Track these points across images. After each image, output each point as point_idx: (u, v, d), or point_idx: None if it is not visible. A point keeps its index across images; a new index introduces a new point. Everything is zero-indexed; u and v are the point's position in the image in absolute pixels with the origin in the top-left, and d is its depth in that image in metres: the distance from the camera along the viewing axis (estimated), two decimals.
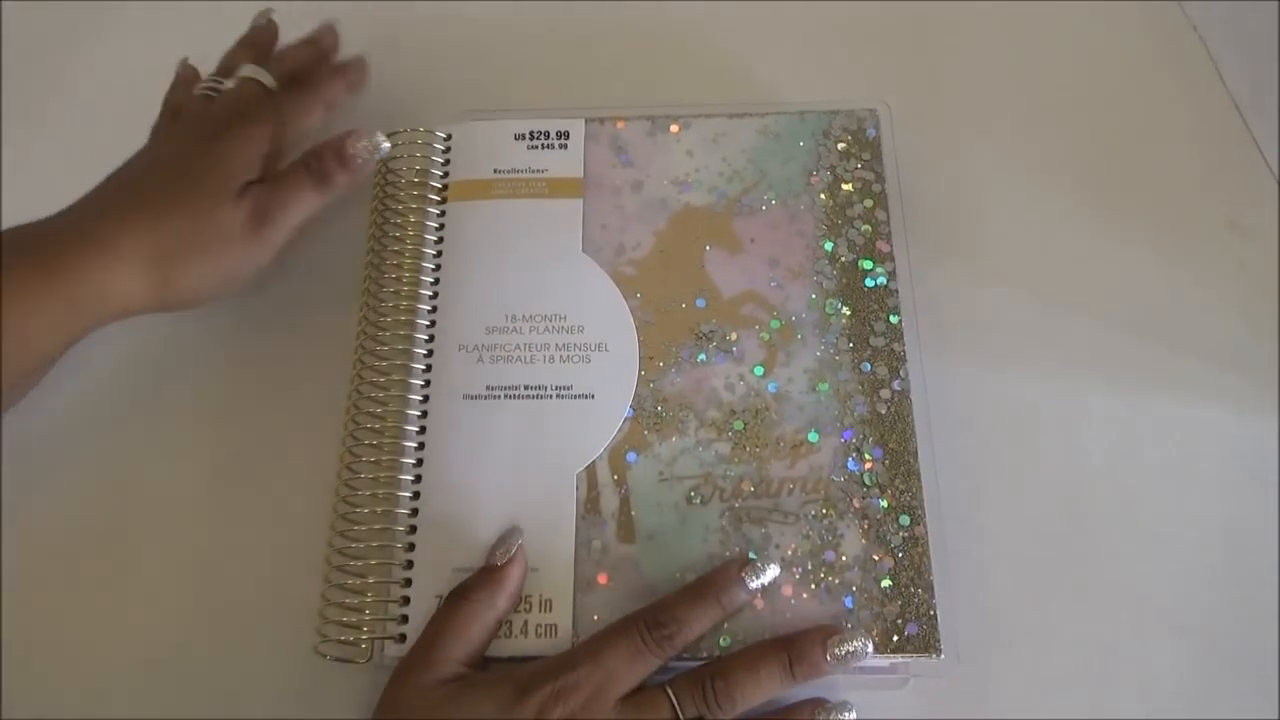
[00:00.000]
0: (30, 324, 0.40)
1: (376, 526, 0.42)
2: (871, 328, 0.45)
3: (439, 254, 0.48)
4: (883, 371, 0.44)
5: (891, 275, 0.46)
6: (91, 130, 0.52)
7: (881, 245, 0.47)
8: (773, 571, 0.40)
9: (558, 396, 0.44)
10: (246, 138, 0.45)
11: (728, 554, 0.42)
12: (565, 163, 0.49)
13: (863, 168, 0.49)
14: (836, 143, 0.49)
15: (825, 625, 0.39)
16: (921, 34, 0.45)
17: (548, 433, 0.44)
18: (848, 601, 0.41)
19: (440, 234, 0.48)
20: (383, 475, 0.43)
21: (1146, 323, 0.37)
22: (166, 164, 0.44)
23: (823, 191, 0.48)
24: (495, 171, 0.49)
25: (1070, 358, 0.38)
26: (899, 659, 0.40)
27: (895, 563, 0.41)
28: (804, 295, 0.46)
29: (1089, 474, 0.36)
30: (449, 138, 0.51)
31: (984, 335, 0.38)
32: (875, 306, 0.46)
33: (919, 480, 0.42)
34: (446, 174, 0.50)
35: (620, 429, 0.44)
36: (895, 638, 0.40)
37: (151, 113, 0.48)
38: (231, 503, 0.44)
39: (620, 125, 0.50)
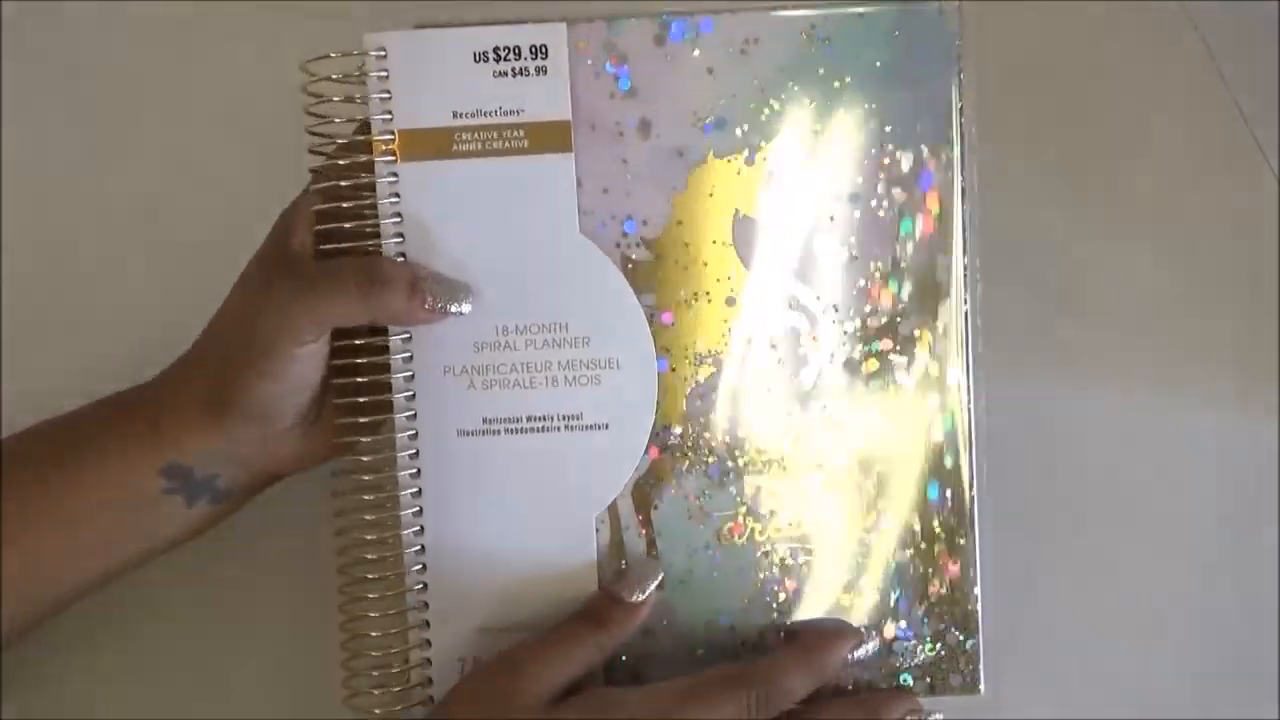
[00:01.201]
0: None
1: (387, 594, 0.38)
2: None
3: (400, 238, 0.38)
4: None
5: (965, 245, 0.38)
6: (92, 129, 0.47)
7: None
8: (655, 577, 0.38)
9: (566, 429, 0.38)
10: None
11: (769, 599, 0.39)
12: (547, 96, 0.37)
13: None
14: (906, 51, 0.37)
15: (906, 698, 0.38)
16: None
17: (559, 473, 0.38)
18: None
19: (397, 208, 0.37)
20: (385, 535, 0.38)
21: (1146, 322, 0.37)
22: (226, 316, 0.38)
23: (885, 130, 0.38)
24: (455, 116, 0.37)
25: (1070, 358, 0.37)
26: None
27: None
28: (856, 274, 0.38)
29: (1089, 474, 0.36)
30: (384, 56, 0.37)
31: (982, 335, 0.36)
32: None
33: (973, 526, 0.39)
34: (389, 116, 0.37)
35: (641, 463, 0.38)
36: (935, 686, 0.39)
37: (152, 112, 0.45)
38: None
39: (613, 28, 0.37)
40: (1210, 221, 0.38)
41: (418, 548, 0.38)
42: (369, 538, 0.38)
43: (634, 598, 0.37)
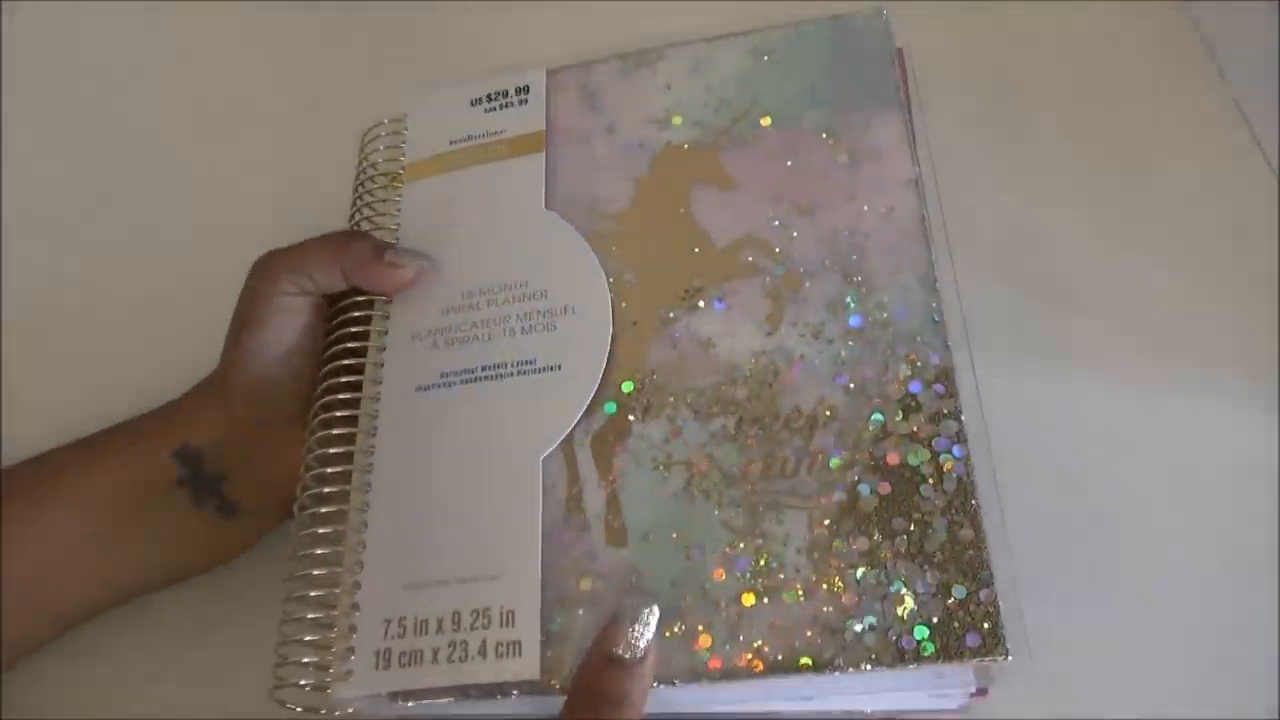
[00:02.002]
0: None
1: (329, 550, 0.35)
2: None
3: (397, 242, 0.42)
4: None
5: (920, 198, 0.38)
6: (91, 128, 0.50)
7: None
8: (650, 621, 0.31)
9: (519, 374, 0.37)
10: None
11: (735, 549, 0.33)
12: (526, 119, 0.43)
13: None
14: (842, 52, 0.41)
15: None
16: (918, 34, 0.42)
17: (508, 417, 0.36)
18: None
19: (399, 220, 0.42)
20: (338, 490, 0.36)
21: (1147, 322, 0.37)
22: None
23: (831, 114, 0.40)
24: (451, 143, 0.43)
25: (1071, 358, 0.37)
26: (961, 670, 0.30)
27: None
28: (809, 235, 0.38)
29: (1089, 474, 0.35)
30: (403, 119, 0.45)
31: (982, 335, 0.36)
32: None
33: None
34: (402, 160, 0.44)
35: (598, 411, 0.36)
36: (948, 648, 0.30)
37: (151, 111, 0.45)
38: None
39: (585, 71, 0.44)
40: (1210, 221, 0.38)
41: (362, 506, 0.36)
42: (321, 509, 0.36)
43: (632, 652, 0.30)
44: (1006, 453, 0.34)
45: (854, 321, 0.36)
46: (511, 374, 0.37)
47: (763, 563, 0.33)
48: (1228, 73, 0.39)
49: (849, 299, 0.36)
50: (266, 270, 0.38)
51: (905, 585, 0.31)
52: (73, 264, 0.50)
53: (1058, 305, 0.38)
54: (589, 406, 0.36)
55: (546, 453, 0.35)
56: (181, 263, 0.49)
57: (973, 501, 0.32)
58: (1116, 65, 0.41)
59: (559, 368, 0.37)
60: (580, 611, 0.33)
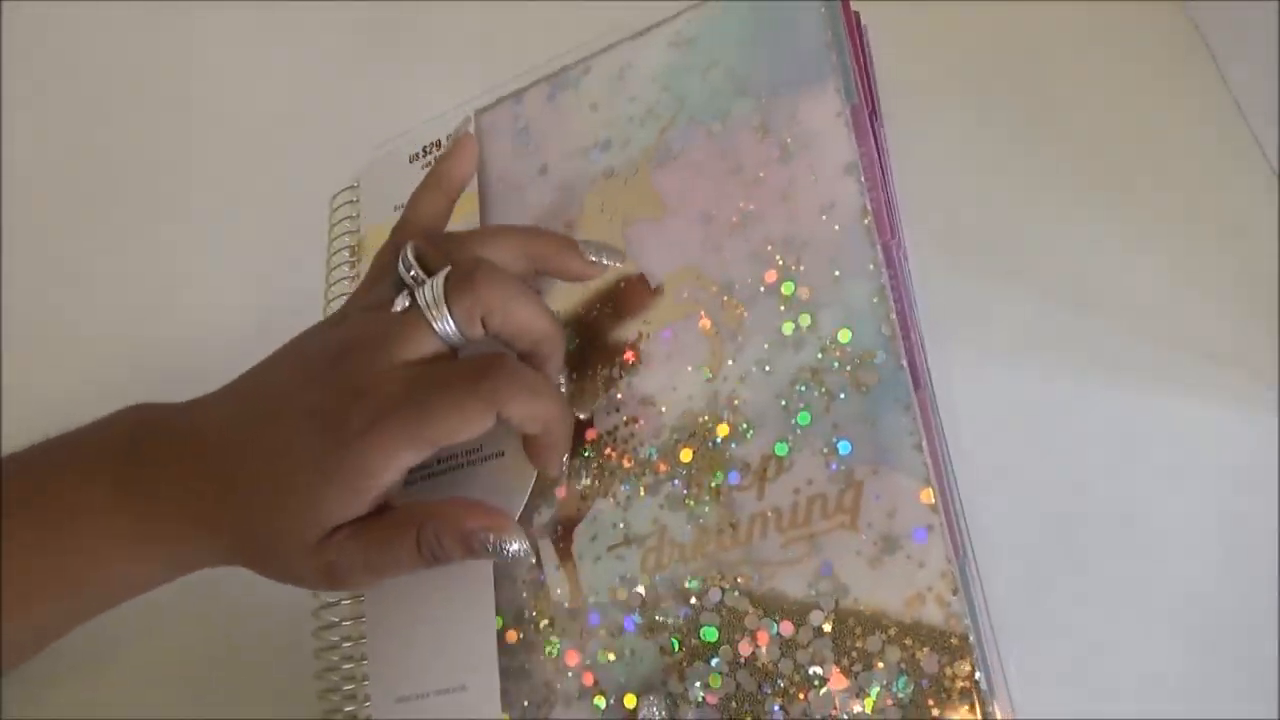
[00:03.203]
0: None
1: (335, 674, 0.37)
2: None
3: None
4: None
5: (860, 184, 0.32)
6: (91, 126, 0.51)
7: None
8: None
9: (468, 463, 0.36)
10: (404, 445, 0.30)
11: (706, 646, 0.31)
12: None
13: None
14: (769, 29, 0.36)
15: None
16: (918, 34, 0.43)
17: None
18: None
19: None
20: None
21: (1146, 322, 0.37)
22: (274, 450, 0.31)
23: (760, 101, 0.35)
24: (395, 209, 0.42)
25: (1070, 357, 0.37)
26: None
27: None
28: (742, 254, 0.34)
29: (1089, 474, 0.35)
30: (356, 187, 0.44)
31: (981, 334, 0.37)
32: None
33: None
34: (358, 230, 0.43)
35: (551, 492, 0.34)
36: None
37: (151, 111, 0.46)
38: None
39: (518, 102, 0.40)
40: (1210, 221, 0.37)
41: (358, 615, 0.37)
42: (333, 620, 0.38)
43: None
44: (1006, 453, 0.36)
45: (796, 353, 0.32)
46: (462, 464, 0.36)
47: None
48: (1228, 73, 0.38)
49: (787, 325, 0.32)
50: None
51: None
52: (72, 264, 0.50)
53: (1056, 305, 0.37)
54: (534, 491, 0.34)
55: None
56: (181, 261, 0.49)
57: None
58: (1116, 65, 0.40)
59: (503, 454, 0.35)
60: (555, 708, 0.32)
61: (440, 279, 0.31)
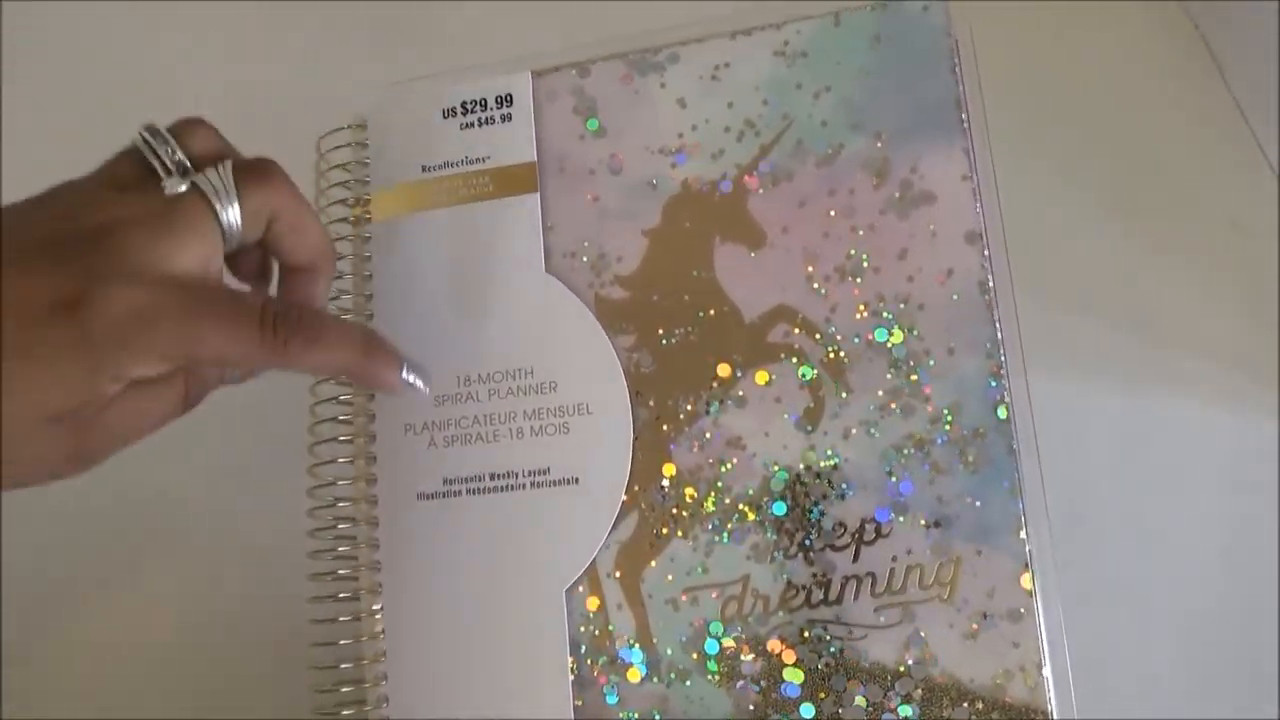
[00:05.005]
0: None
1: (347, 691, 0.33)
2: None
3: (370, 297, 0.36)
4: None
5: (984, 256, 0.32)
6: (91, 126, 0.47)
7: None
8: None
9: (533, 485, 0.33)
10: (159, 353, 0.26)
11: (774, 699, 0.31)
12: (512, 142, 0.36)
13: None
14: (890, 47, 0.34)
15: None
16: None
17: (525, 538, 0.33)
18: None
19: (369, 268, 0.36)
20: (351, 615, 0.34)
21: (1147, 322, 0.37)
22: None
23: (877, 143, 0.34)
24: (424, 170, 0.36)
25: (1070, 357, 0.37)
26: None
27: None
28: (848, 304, 0.33)
29: (1089, 474, 0.35)
30: (364, 128, 0.38)
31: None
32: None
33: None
34: (367, 180, 0.37)
35: (622, 525, 0.33)
36: None
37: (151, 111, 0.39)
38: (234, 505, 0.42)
39: (581, 73, 0.36)
40: (1210, 221, 0.38)
41: (375, 633, 0.34)
42: (342, 618, 0.34)
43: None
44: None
45: (904, 419, 0.32)
46: (524, 485, 0.33)
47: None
48: (1228, 73, 0.38)
49: (897, 388, 0.32)
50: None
51: None
52: None
53: (1056, 305, 0.38)
54: (612, 527, 0.33)
55: (570, 582, 0.33)
56: None
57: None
58: (1116, 65, 0.41)
59: (576, 481, 0.33)
60: None
61: (228, 166, 0.28)
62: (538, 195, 0.35)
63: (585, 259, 0.35)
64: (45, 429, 0.26)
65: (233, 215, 0.28)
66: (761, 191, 0.34)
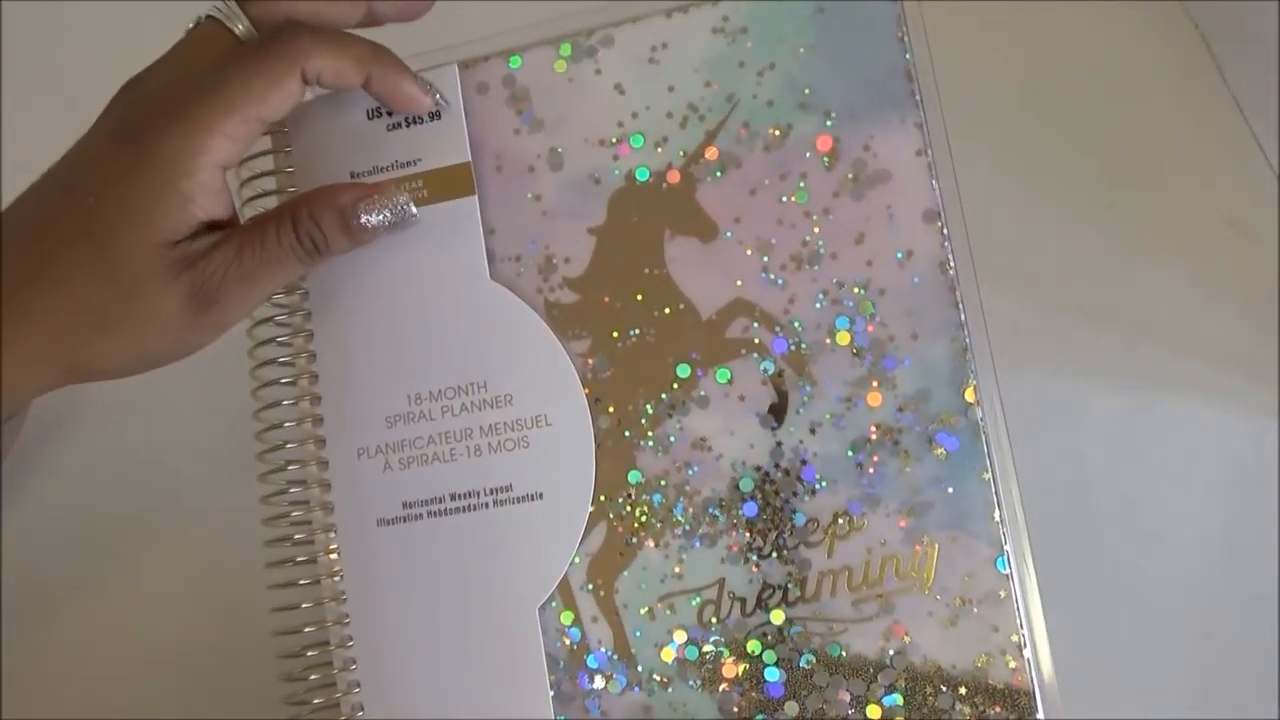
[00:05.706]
0: None
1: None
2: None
3: (308, 315, 0.34)
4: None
5: (942, 234, 0.31)
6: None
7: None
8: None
9: (496, 503, 0.32)
10: (209, 125, 0.29)
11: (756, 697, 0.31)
12: (443, 141, 0.34)
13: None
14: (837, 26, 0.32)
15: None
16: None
17: (493, 558, 0.32)
18: None
19: (304, 285, 0.35)
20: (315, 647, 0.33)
21: (1147, 322, 0.37)
22: (78, 189, 0.30)
23: (825, 122, 0.32)
24: (353, 176, 0.34)
25: (1070, 357, 0.37)
26: None
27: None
28: (807, 293, 0.32)
29: (1089, 474, 0.35)
30: (284, 134, 0.35)
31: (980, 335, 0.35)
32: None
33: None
34: (292, 190, 0.35)
35: (590, 537, 0.32)
36: None
37: None
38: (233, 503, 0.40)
39: (511, 62, 0.34)
40: (1210, 221, 0.38)
41: (347, 664, 0.33)
42: (310, 652, 0.33)
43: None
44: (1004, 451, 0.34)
45: (870, 409, 0.31)
46: (486, 504, 0.32)
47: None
48: (1228, 73, 0.38)
49: (860, 378, 0.31)
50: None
51: None
52: None
53: (1056, 305, 0.38)
54: (580, 539, 0.32)
55: (542, 601, 0.32)
56: None
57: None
58: (1116, 65, 0.40)
59: (540, 496, 0.32)
60: None
61: None
62: (475, 198, 0.33)
63: (531, 262, 0.33)
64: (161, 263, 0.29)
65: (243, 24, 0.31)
66: (710, 180, 0.33)
